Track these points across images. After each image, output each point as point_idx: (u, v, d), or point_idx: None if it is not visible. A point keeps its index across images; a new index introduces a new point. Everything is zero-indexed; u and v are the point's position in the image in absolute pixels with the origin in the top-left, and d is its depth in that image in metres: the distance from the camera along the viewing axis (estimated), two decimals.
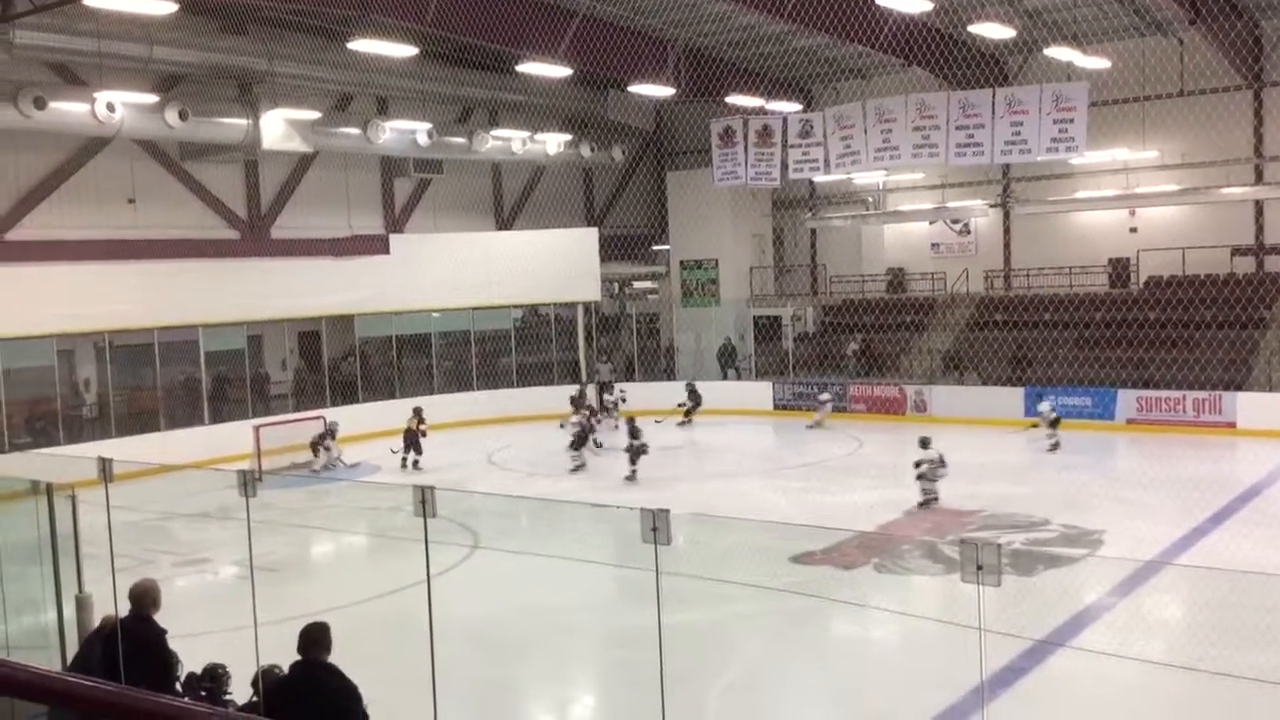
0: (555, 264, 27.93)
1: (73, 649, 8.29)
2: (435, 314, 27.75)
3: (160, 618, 7.12)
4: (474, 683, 10.04)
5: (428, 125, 25.42)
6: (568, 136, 29.00)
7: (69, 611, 8.77)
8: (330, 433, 21.43)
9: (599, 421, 23.45)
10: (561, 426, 21.02)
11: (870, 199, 30.98)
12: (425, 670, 6.65)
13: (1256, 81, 24.95)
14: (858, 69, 28.21)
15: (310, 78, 23.19)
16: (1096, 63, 21.49)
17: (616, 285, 33.75)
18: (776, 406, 27.39)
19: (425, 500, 6.48)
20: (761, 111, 23.51)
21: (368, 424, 23.68)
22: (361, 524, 17.46)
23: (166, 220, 23.04)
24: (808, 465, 21.37)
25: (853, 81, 28.43)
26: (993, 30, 19.69)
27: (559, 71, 21.70)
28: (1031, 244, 28.53)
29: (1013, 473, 19.33)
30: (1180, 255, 25.64)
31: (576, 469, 20.42)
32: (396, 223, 28.07)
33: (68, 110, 19.62)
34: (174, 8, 14.74)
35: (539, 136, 28.03)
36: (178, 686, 7.25)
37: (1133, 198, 26.13)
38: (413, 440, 21.27)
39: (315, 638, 6.21)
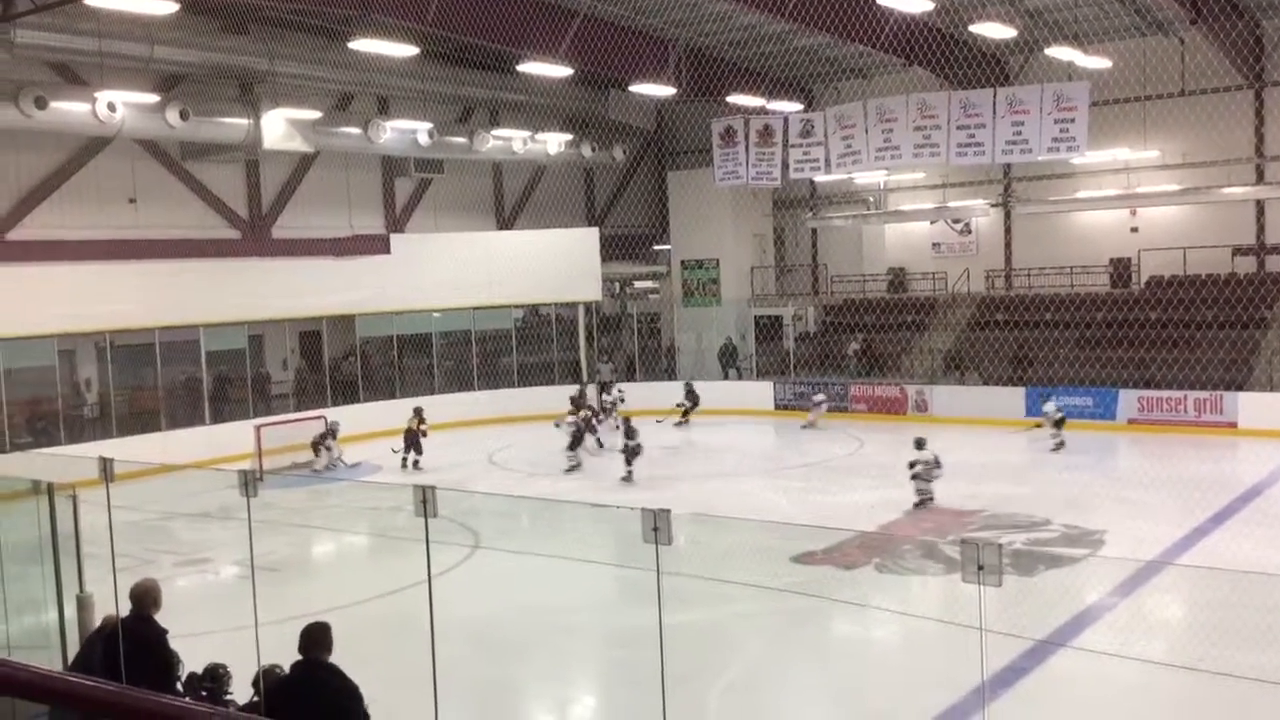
0: (556, 264, 27.93)
1: (74, 649, 8.30)
2: (436, 314, 27.75)
3: (161, 617, 7.12)
4: (475, 683, 10.04)
5: (428, 125, 25.43)
6: (569, 136, 29.00)
7: (70, 611, 8.77)
8: (331, 433, 21.43)
9: (600, 422, 23.44)
10: (557, 426, 21.00)
11: (871, 199, 30.97)
12: (426, 670, 6.64)
13: (1257, 81, 24.94)
14: (859, 69, 28.21)
15: (311, 77, 23.19)
16: (1097, 62, 21.48)
17: (617, 285, 33.75)
18: (778, 406, 27.39)
19: (426, 500, 6.48)
20: (762, 111, 23.50)
21: (368, 424, 23.69)
22: (362, 524, 17.46)
23: (167, 220, 23.05)
24: (809, 465, 21.37)
25: (854, 81, 28.43)
26: (994, 30, 19.69)
27: (560, 71, 21.70)
28: (1032, 244, 28.52)
29: (1014, 473, 19.33)
30: (1181, 255, 25.63)
31: (571, 469, 20.42)
32: (397, 222, 28.08)
33: (69, 110, 19.62)
34: (175, 7, 14.74)
35: (540, 136, 28.03)
36: (179, 686, 7.25)
37: (1134, 197, 26.12)
38: (413, 440, 21.27)
39: (316, 638, 6.21)
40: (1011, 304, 27.60)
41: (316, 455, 21.27)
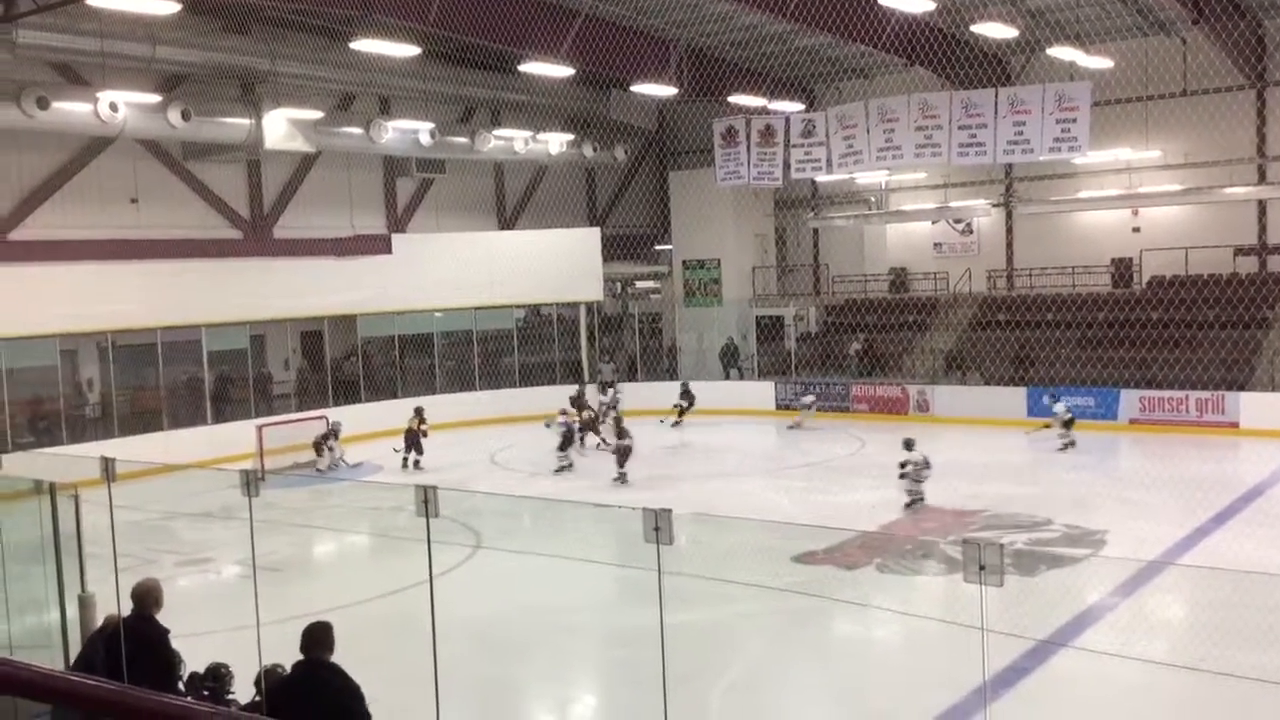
0: (558, 264, 27.94)
1: (75, 648, 8.30)
2: (438, 314, 27.75)
3: (163, 617, 7.13)
4: (476, 682, 10.04)
5: (430, 125, 25.44)
6: (570, 136, 29.00)
7: (71, 611, 8.78)
8: (333, 433, 21.44)
9: (602, 422, 23.43)
10: (547, 426, 20.98)
11: (873, 199, 30.96)
12: (427, 670, 6.65)
13: (1259, 81, 24.93)
14: (860, 69, 28.21)
15: (313, 77, 23.20)
16: (1099, 62, 21.47)
17: (619, 285, 33.75)
18: (779, 407, 27.38)
19: (428, 500, 6.48)
20: (764, 111, 23.50)
21: (370, 424, 23.70)
22: (364, 524, 17.46)
23: (169, 220, 23.06)
24: (810, 465, 21.36)
25: (855, 81, 28.43)
26: (995, 30, 19.68)
27: (561, 71, 21.70)
28: (1034, 244, 28.51)
29: (1015, 473, 19.33)
30: (1183, 255, 25.62)
31: (561, 470, 20.42)
32: (399, 222, 28.09)
33: (71, 110, 19.64)
34: (177, 7, 14.74)
35: (541, 136, 28.04)
36: (180, 686, 7.26)
37: (1135, 197, 26.11)
38: (414, 440, 21.29)
39: (317, 637, 6.22)
40: (1013, 304, 27.59)
41: (319, 455, 21.28)
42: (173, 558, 15.17)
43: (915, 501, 16.48)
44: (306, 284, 24.73)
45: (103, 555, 8.71)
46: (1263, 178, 25.35)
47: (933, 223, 30.16)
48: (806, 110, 23.70)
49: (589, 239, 29.23)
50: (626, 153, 31.17)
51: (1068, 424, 21.16)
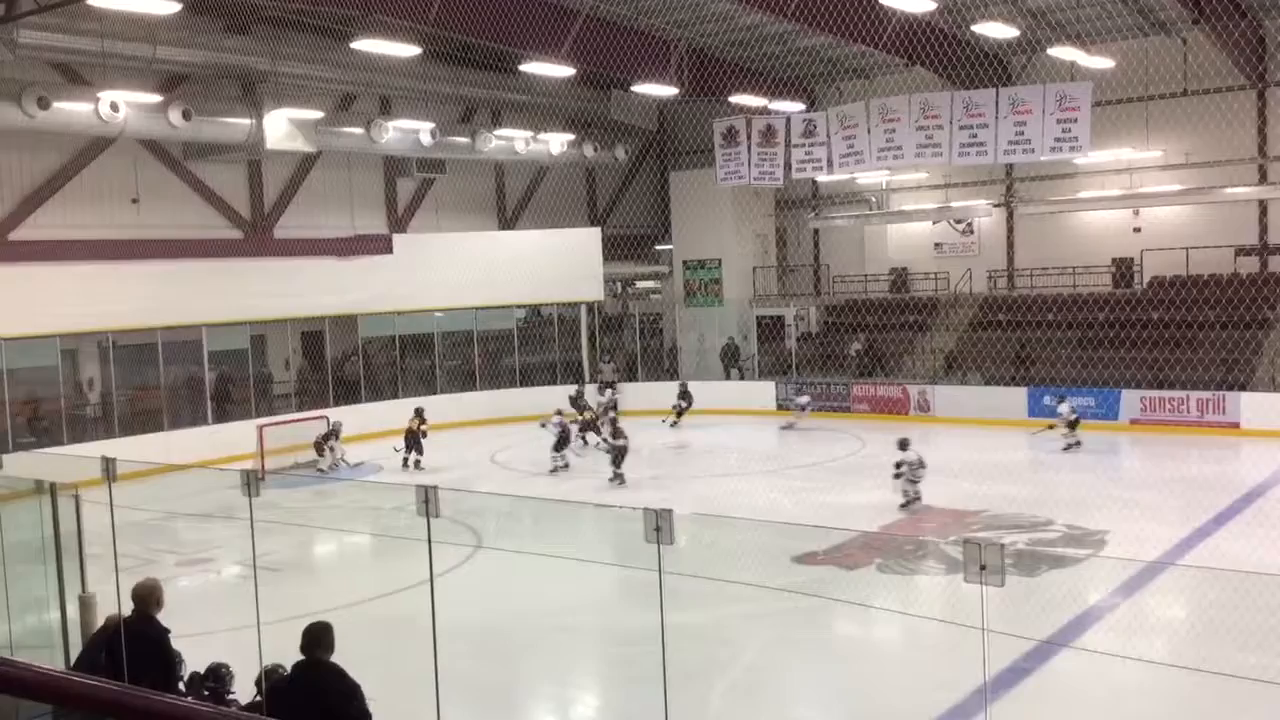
0: (558, 264, 27.95)
1: (76, 648, 8.31)
2: (438, 314, 27.75)
3: (163, 617, 7.14)
4: (477, 682, 10.03)
5: (431, 125, 25.43)
6: (571, 136, 29.00)
7: (72, 611, 8.79)
8: (334, 433, 21.45)
9: (601, 422, 23.43)
10: (542, 426, 20.98)
11: (873, 199, 30.96)
12: (427, 670, 6.64)
13: (1260, 81, 24.91)
14: (861, 69, 28.20)
15: (313, 77, 23.19)
16: (1100, 62, 21.46)
17: (619, 285, 33.76)
18: (780, 406, 27.37)
19: (428, 500, 6.48)
20: (765, 111, 23.50)
21: (371, 424, 23.71)
22: (364, 524, 17.46)
23: (170, 220, 23.06)
24: (811, 465, 21.36)
25: (856, 81, 28.42)
26: (996, 30, 19.66)
27: (562, 71, 21.70)
28: (1035, 244, 28.51)
29: (1016, 473, 19.33)
30: (1184, 255, 25.61)
31: (556, 470, 20.41)
32: (400, 222, 28.08)
33: (71, 110, 19.63)
34: (177, 7, 14.74)
35: (542, 136, 28.04)
36: (181, 686, 7.26)
37: (1136, 198, 26.11)
38: (414, 440, 21.30)
39: (317, 637, 6.22)
40: (1014, 304, 27.59)
41: (320, 455, 21.29)
42: (173, 558, 15.19)
43: (911, 502, 16.48)
44: (307, 284, 24.73)
45: (103, 555, 8.72)
46: (1263, 178, 25.35)
47: (933, 223, 30.15)
48: (807, 110, 23.70)
49: (590, 239, 29.23)
50: (627, 153, 31.17)
51: (1073, 425, 21.16)
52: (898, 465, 16.62)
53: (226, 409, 23.69)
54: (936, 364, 26.83)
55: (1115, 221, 27.21)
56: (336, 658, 6.25)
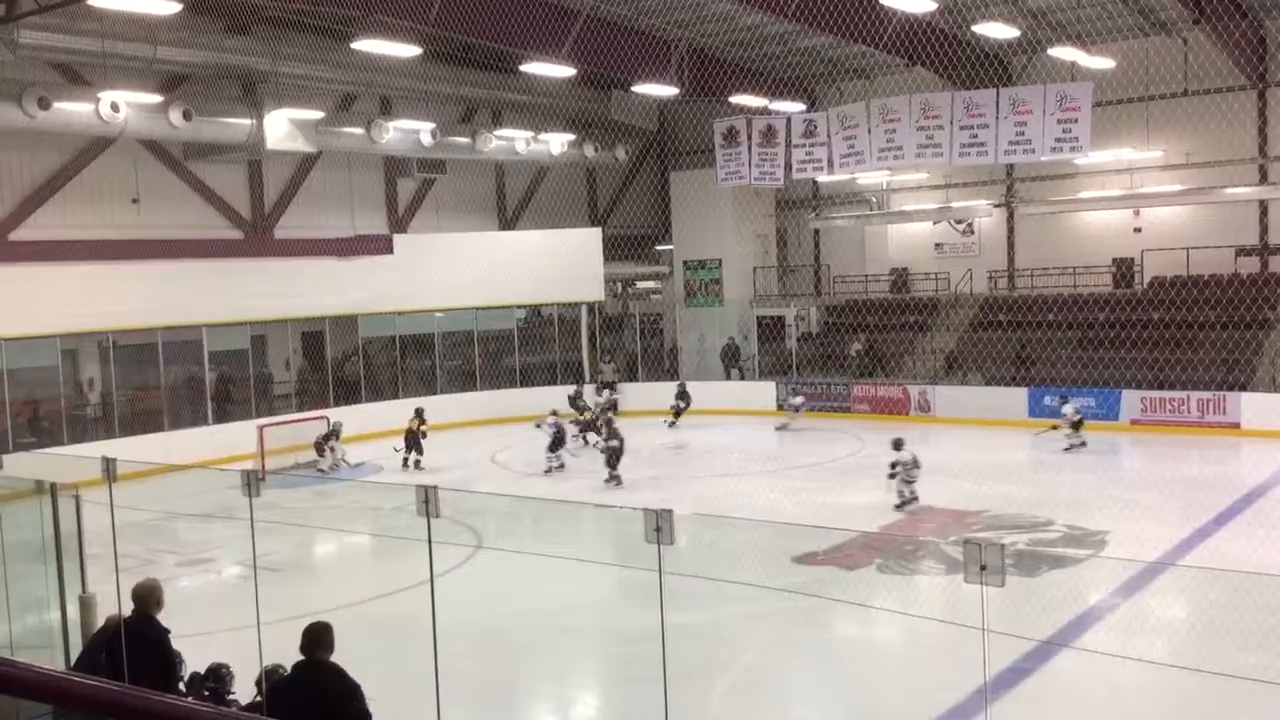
0: (559, 264, 27.95)
1: (76, 649, 8.32)
2: (439, 314, 27.75)
3: (163, 618, 7.14)
4: (477, 683, 10.03)
5: (431, 125, 25.43)
6: (571, 136, 29.01)
7: (72, 611, 8.79)
8: (334, 433, 21.45)
9: (599, 422, 23.41)
10: (537, 426, 20.97)
11: (874, 199, 30.95)
12: (428, 670, 6.65)
13: (1261, 82, 24.91)
14: (861, 69, 28.20)
15: (314, 78, 23.19)
16: (1100, 63, 21.46)
17: (620, 285, 33.75)
18: (780, 407, 27.38)
19: (429, 500, 6.48)
20: (765, 111, 23.51)
21: (371, 424, 23.71)
22: (365, 524, 17.47)
23: (170, 220, 23.06)
24: (811, 465, 21.36)
25: (856, 81, 28.42)
26: (997, 30, 19.66)
27: (562, 71, 21.70)
28: (1035, 244, 28.50)
29: (1016, 473, 19.33)
30: (1184, 255, 25.61)
31: (550, 470, 20.40)
32: (400, 223, 28.09)
33: (72, 110, 19.63)
34: (178, 7, 14.75)
35: (542, 136, 28.04)
36: (181, 686, 7.26)
37: (1137, 198, 26.10)
38: (414, 441, 21.30)
39: (317, 637, 6.23)
40: (1014, 304, 27.59)
41: (320, 455, 21.29)
42: (173, 558, 15.19)
43: (906, 502, 16.47)
44: (307, 284, 24.73)
45: (103, 555, 8.72)
46: (1264, 178, 25.34)
47: (934, 223, 30.15)
48: (808, 110, 23.71)
49: (590, 239, 29.23)
50: (627, 153, 31.17)
51: (1076, 425, 21.14)
52: (892, 465, 16.61)
53: (227, 409, 23.70)
54: (937, 364, 26.83)
55: (1116, 222, 27.21)
56: (336, 658, 6.25)
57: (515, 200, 31.02)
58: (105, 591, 8.33)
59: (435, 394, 26.38)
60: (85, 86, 20.45)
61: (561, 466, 20.57)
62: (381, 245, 26.70)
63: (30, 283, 20.09)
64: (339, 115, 24.82)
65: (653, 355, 31.72)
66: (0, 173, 20.75)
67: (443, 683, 6.69)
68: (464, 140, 26.51)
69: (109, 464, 7.89)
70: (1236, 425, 22.01)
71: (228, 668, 7.63)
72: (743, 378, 29.32)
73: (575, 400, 25.25)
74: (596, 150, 29.80)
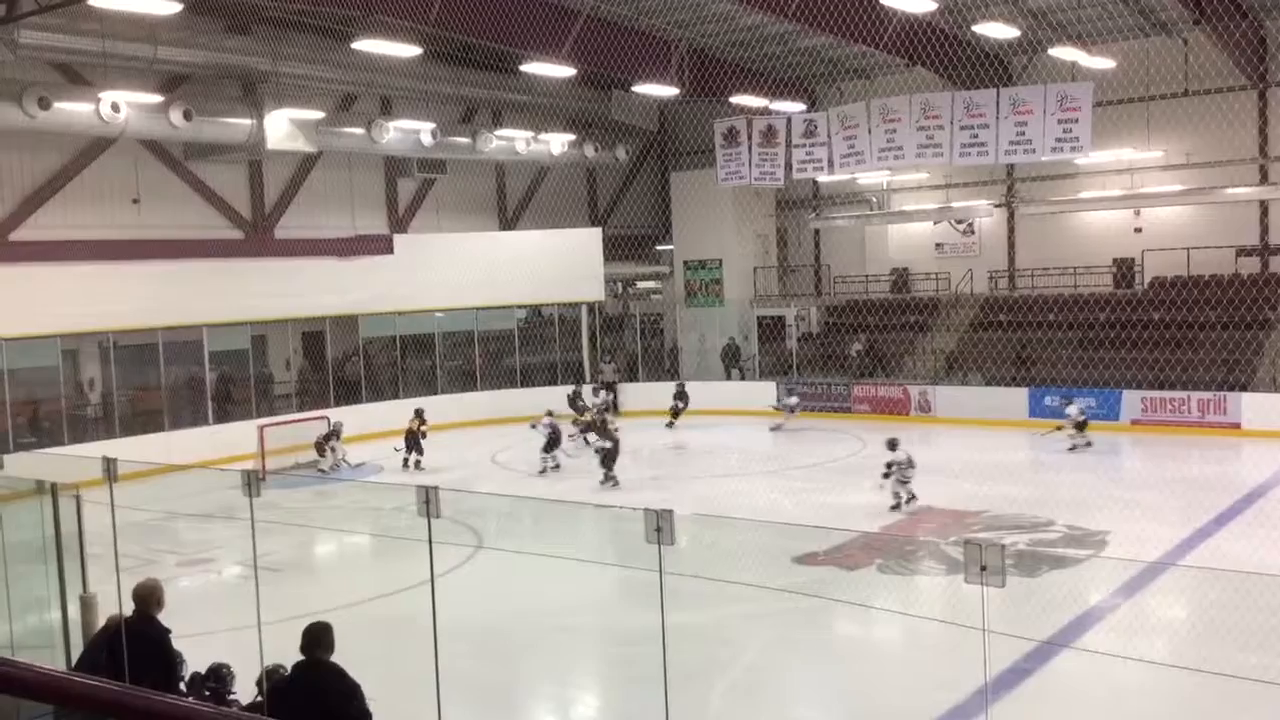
0: (559, 264, 27.95)
1: (77, 649, 8.32)
2: (439, 314, 27.75)
3: (164, 617, 7.14)
4: (477, 683, 10.03)
5: (431, 125, 25.44)
6: (571, 136, 29.01)
7: (73, 611, 8.79)
8: (335, 433, 21.45)
9: (597, 422, 23.39)
10: (533, 427, 20.96)
11: (874, 199, 30.96)
12: (428, 670, 6.65)
13: (1261, 82, 24.92)
14: (862, 69, 28.20)
15: (314, 78, 23.20)
16: (1101, 63, 21.46)
17: (620, 285, 33.75)
18: (776, 407, 27.34)
19: (429, 500, 6.49)
20: (765, 111, 23.51)
21: (371, 424, 23.71)
22: (365, 524, 17.47)
23: (170, 220, 23.06)
24: (811, 466, 21.36)
25: (857, 81, 28.42)
26: (997, 30, 19.66)
27: (563, 71, 21.70)
28: (1036, 244, 28.50)
29: (1017, 473, 19.32)
30: (1185, 256, 25.61)
31: (544, 471, 20.37)
32: (400, 223, 28.09)
33: (72, 110, 19.64)
34: (178, 8, 14.75)
35: (543, 136, 28.04)
36: (182, 686, 7.26)
37: (1137, 198, 26.10)
38: (414, 441, 21.30)
39: (317, 637, 6.23)
40: (1014, 304, 27.59)
41: (321, 455, 21.29)
42: (174, 558, 15.19)
43: (902, 503, 16.47)
44: (308, 284, 24.73)
45: (104, 556, 8.73)
46: (1264, 178, 25.34)
47: (934, 223, 30.15)
48: (808, 110, 23.71)
49: (590, 239, 29.23)
50: (628, 153, 31.17)
51: (1080, 426, 21.13)
52: (887, 466, 16.59)
53: (227, 409, 23.70)
54: (937, 364, 26.83)
55: (1116, 222, 27.21)
56: (336, 658, 6.25)
57: (515, 200, 31.03)
58: (106, 591, 8.32)
59: (436, 394, 26.39)
60: (85, 86, 20.46)
61: (557, 467, 20.54)
62: (382, 245, 26.70)
63: (31, 283, 20.10)
64: (339, 115, 24.83)
65: (653, 355, 31.72)
66: (0, 173, 20.75)
67: (443, 683, 6.69)
68: (464, 140, 26.52)
69: (109, 464, 7.89)
70: (1237, 425, 22.01)
71: (228, 668, 7.63)
72: (743, 378, 29.32)
73: (574, 400, 25.25)
74: (597, 150, 29.81)
